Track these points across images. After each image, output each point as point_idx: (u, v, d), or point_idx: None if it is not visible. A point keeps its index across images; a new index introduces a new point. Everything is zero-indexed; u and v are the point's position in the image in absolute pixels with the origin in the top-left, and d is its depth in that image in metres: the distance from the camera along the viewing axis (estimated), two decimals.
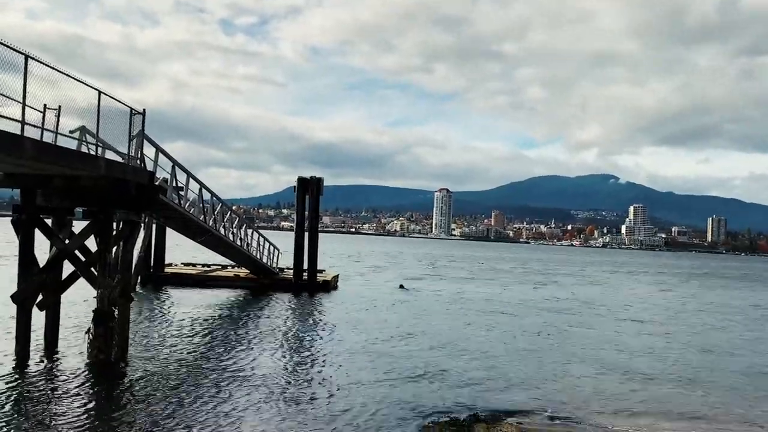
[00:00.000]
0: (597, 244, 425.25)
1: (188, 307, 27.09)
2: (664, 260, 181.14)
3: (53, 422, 11.29)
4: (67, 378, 14.20)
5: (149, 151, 18.01)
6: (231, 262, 37.88)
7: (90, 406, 12.45)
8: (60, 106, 13.58)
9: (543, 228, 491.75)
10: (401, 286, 44.19)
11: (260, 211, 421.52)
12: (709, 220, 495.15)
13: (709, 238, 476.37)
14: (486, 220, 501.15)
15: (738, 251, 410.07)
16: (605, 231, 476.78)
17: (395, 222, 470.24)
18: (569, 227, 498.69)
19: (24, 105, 11.64)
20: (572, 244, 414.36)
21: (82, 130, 15.01)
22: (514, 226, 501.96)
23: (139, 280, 33.03)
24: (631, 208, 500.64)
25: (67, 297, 17.64)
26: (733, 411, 14.83)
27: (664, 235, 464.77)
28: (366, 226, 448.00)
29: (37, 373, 14.48)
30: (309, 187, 36.56)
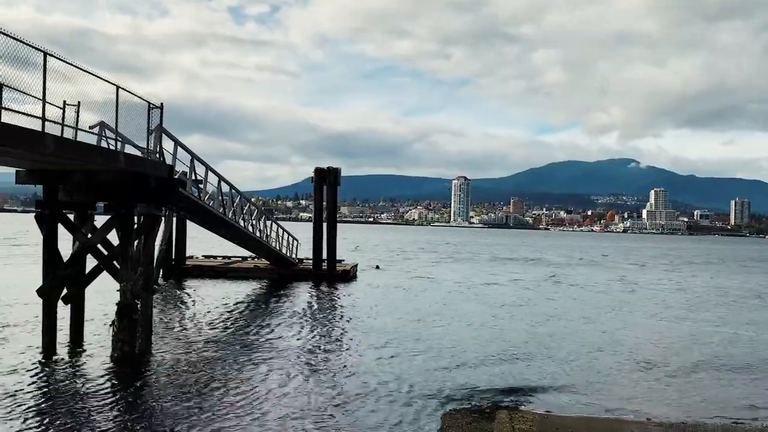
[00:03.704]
0: (617, 230, 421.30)
1: (210, 298, 27.36)
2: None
3: (79, 414, 11.48)
4: (92, 370, 14.42)
5: (168, 144, 18.14)
6: (251, 254, 38.14)
7: (115, 398, 12.63)
8: (79, 102, 13.73)
9: (563, 214, 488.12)
10: (377, 267, 48.04)
11: (279, 202, 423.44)
12: (732, 202, 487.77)
13: (732, 221, 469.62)
14: (505, 208, 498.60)
15: (762, 234, 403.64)
16: (626, 216, 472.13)
17: (413, 211, 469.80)
18: (589, 213, 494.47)
19: (44, 102, 11.77)
20: (592, 230, 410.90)
21: (102, 125, 15.15)
22: (533, 212, 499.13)
23: (161, 273, 33.39)
24: (652, 192, 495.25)
25: (91, 291, 17.87)
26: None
27: (686, 219, 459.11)
28: (384, 215, 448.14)
29: (63, 366, 14.73)
30: (326, 178, 36.62)
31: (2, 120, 10.94)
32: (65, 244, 16.43)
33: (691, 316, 27.85)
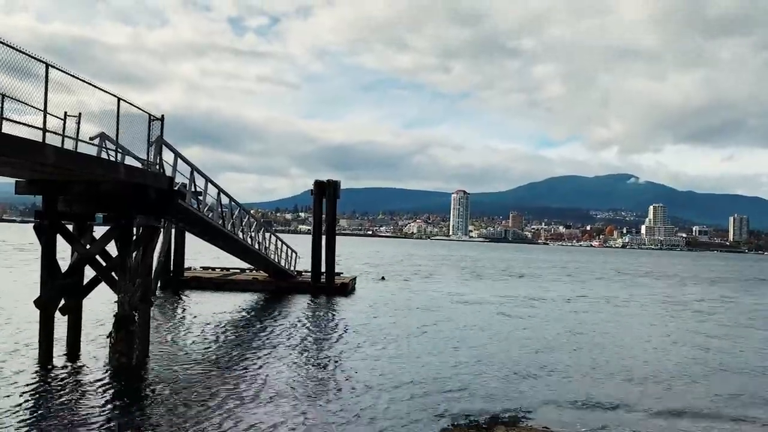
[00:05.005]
0: (616, 245, 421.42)
1: (208, 310, 27.27)
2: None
3: (75, 425, 11.40)
4: (89, 382, 14.35)
5: (168, 156, 18.18)
6: (250, 266, 38.10)
7: (112, 409, 12.55)
8: (80, 114, 13.79)
9: (562, 229, 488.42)
10: (382, 278, 49.61)
11: (278, 214, 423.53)
12: (731, 219, 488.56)
13: (731, 238, 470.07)
14: (504, 222, 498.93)
15: (761, 250, 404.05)
16: (624, 231, 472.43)
17: (412, 224, 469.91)
18: (588, 228, 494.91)
19: (45, 113, 11.82)
20: (591, 245, 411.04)
21: (102, 136, 15.21)
22: (533, 227, 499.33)
23: (159, 285, 33.32)
24: (651, 208, 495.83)
25: (88, 302, 17.82)
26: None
27: (684, 235, 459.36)
28: (383, 228, 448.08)
29: (59, 377, 14.65)
30: (326, 191, 36.68)
31: (3, 130, 10.99)
32: (64, 255, 16.43)
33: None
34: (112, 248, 16.16)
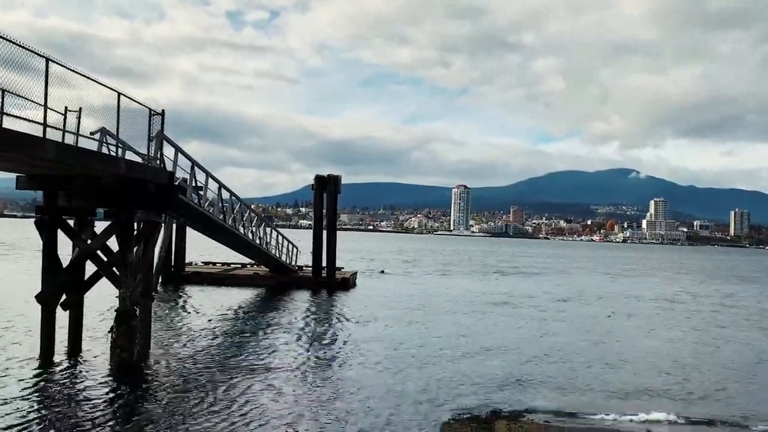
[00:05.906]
0: (617, 240, 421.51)
1: (209, 305, 27.30)
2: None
3: (76, 421, 11.42)
4: (90, 377, 14.36)
5: (168, 151, 18.16)
6: (250, 261, 38.12)
7: (113, 404, 12.58)
8: (81, 108, 13.76)
9: (562, 223, 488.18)
10: (382, 272, 50.99)
11: (279, 209, 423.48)
12: (732, 213, 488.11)
13: (732, 232, 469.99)
14: (504, 216, 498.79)
15: (762, 245, 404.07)
16: (625, 226, 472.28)
17: (413, 219, 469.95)
18: (589, 222, 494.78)
19: (45, 107, 11.79)
20: (592, 240, 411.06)
21: (103, 131, 15.18)
22: (533, 221, 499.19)
23: (160, 280, 33.33)
24: (652, 203, 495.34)
25: (90, 297, 17.82)
26: None
27: (685, 230, 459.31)
28: (384, 223, 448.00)
29: (61, 372, 14.67)
30: (326, 186, 36.64)
31: (3, 125, 10.96)
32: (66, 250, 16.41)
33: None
34: (113, 243, 16.15)
